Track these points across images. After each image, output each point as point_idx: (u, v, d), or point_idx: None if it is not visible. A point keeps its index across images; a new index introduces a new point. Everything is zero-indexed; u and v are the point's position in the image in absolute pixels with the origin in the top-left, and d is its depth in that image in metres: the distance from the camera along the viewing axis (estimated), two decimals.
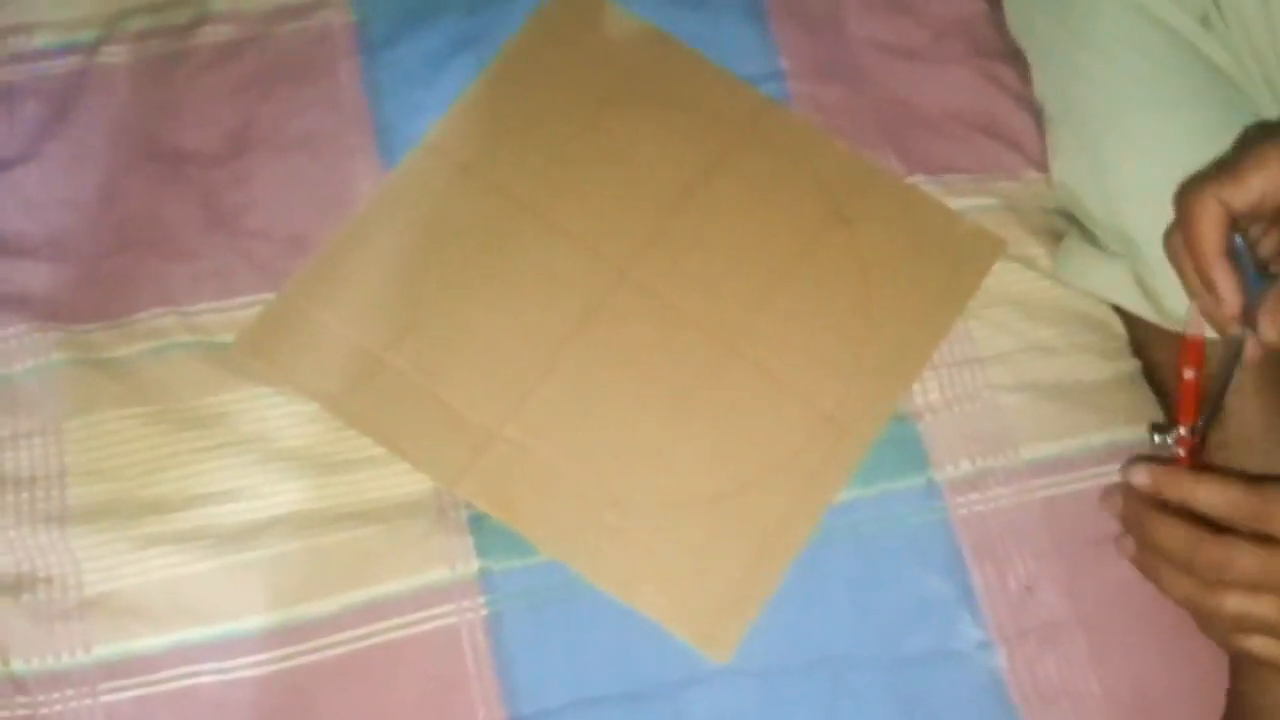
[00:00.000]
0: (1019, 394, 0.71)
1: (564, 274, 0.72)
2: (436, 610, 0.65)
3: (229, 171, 0.74)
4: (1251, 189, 0.56)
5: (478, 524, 0.67)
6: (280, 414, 0.69)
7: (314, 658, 0.64)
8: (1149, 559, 0.62)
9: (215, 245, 0.72)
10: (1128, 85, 0.68)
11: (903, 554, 0.68)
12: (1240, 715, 0.64)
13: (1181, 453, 0.63)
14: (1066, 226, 0.75)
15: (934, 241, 0.74)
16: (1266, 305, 0.56)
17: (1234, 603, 0.58)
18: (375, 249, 0.73)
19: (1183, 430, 0.63)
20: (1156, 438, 0.64)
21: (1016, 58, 0.78)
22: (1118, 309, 0.73)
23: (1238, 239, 0.58)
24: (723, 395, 0.70)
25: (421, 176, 0.74)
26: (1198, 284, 0.59)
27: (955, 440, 0.70)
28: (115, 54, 0.77)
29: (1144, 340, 0.73)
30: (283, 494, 0.67)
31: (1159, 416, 0.71)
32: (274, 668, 0.64)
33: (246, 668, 0.64)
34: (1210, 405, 0.62)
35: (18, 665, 0.63)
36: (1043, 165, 0.76)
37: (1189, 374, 0.62)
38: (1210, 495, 0.58)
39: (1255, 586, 0.57)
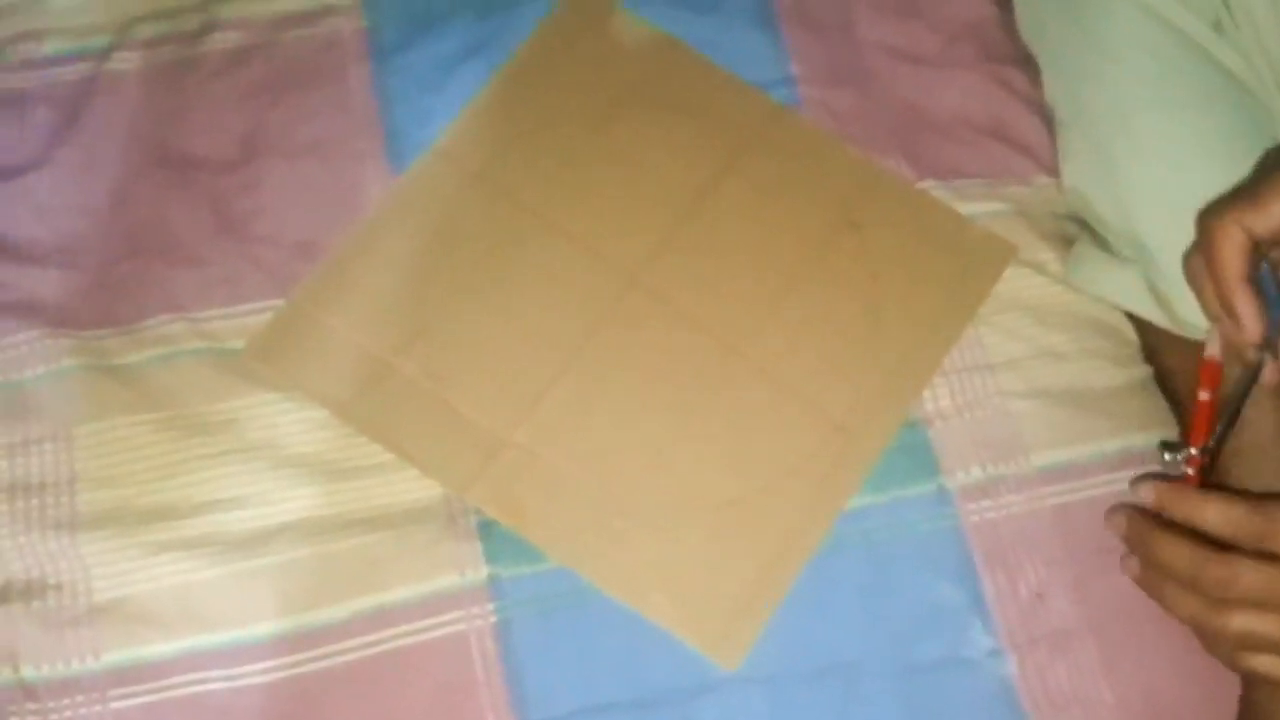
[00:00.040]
0: (1030, 400, 0.70)
1: (573, 279, 0.72)
2: (446, 617, 0.65)
3: (238, 177, 0.74)
4: (1273, 215, 0.56)
5: (487, 530, 0.67)
6: (290, 420, 0.69)
7: (323, 664, 0.64)
8: (1154, 578, 0.62)
9: (225, 251, 0.73)
10: (1139, 89, 0.68)
11: (913, 561, 0.67)
12: None
13: (1190, 472, 0.63)
14: (1078, 231, 0.74)
15: (944, 247, 0.74)
16: None
17: (1239, 621, 0.57)
18: (385, 255, 0.73)
19: (1193, 450, 0.62)
20: (1167, 455, 0.63)
21: (1027, 62, 0.78)
22: (1129, 315, 0.73)
23: (1263, 266, 0.58)
24: (732, 401, 0.70)
25: (431, 182, 0.74)
26: (1218, 308, 0.59)
27: (966, 447, 0.69)
28: (125, 60, 0.77)
29: (1156, 346, 0.73)
30: (292, 500, 0.67)
31: (1171, 423, 0.71)
32: (283, 674, 0.64)
33: (256, 674, 0.64)
34: (1223, 427, 0.62)
35: (28, 672, 0.63)
36: (1054, 170, 0.76)
37: (1204, 395, 0.62)
38: (1215, 514, 0.58)
39: (1260, 605, 0.57)
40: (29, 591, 0.65)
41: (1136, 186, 0.69)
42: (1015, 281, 0.73)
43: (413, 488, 0.68)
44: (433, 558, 0.66)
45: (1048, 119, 0.76)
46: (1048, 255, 0.74)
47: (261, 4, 0.79)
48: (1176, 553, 0.59)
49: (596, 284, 0.72)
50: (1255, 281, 0.58)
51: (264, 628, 0.64)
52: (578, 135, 0.76)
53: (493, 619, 0.65)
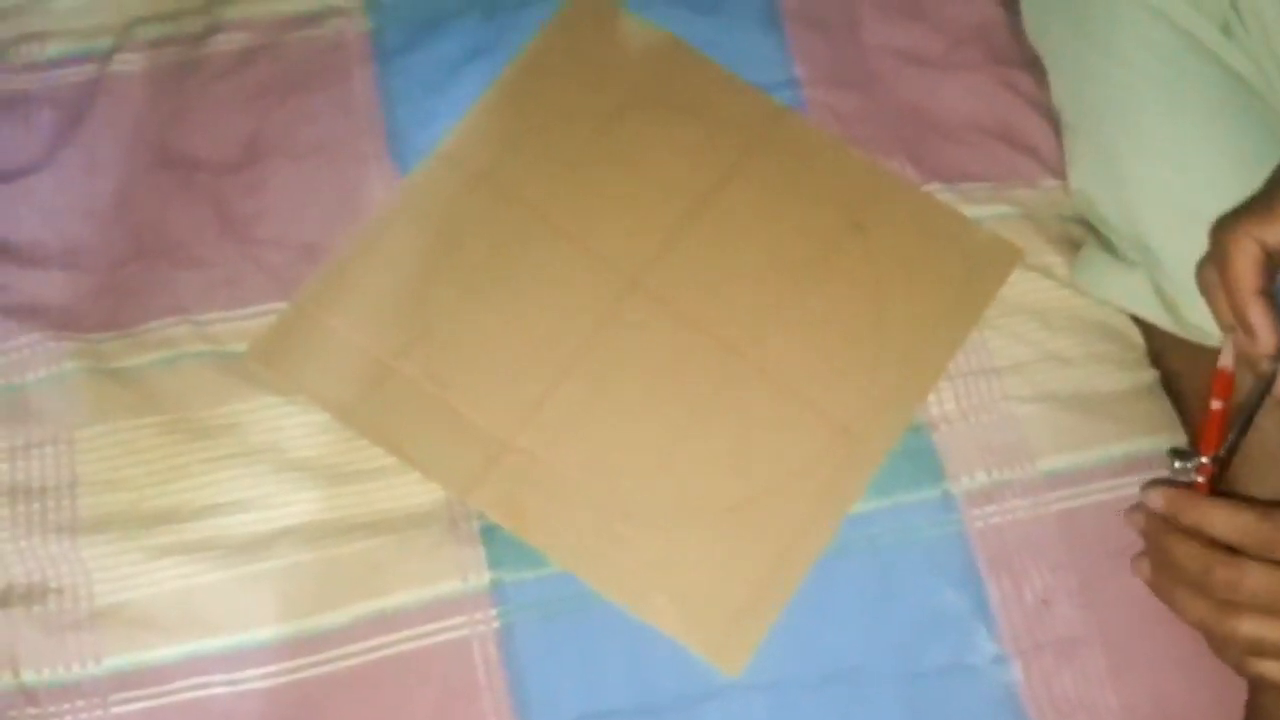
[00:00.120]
0: (1036, 404, 0.70)
1: (577, 282, 0.72)
2: (448, 622, 0.65)
3: (242, 179, 0.74)
4: None
5: (489, 535, 0.67)
6: (292, 424, 0.69)
7: (325, 669, 0.64)
8: (1164, 581, 0.62)
9: (227, 253, 0.72)
10: (1146, 92, 0.68)
11: (918, 566, 0.67)
12: None
13: (1200, 480, 0.62)
14: (1084, 235, 0.74)
15: (950, 250, 0.73)
16: None
17: (1248, 626, 0.57)
18: (388, 257, 0.72)
19: (1204, 459, 0.62)
20: (1177, 464, 0.63)
21: (1034, 64, 0.77)
22: (1136, 318, 0.73)
23: (1278, 277, 0.57)
24: (736, 405, 0.70)
25: (435, 184, 0.74)
26: (1231, 319, 0.59)
27: (971, 451, 0.69)
28: (129, 62, 0.77)
29: (1162, 350, 0.73)
30: (294, 504, 0.67)
31: (1177, 427, 0.71)
32: (285, 679, 0.64)
33: (257, 679, 0.64)
34: (1234, 436, 0.62)
35: (28, 676, 0.63)
36: (1060, 173, 0.75)
37: (1217, 405, 0.62)
38: (1223, 520, 0.58)
39: (1269, 610, 0.57)
40: (30, 595, 0.65)
41: (1143, 190, 0.68)
42: (1021, 285, 0.73)
43: (415, 491, 0.67)
44: (435, 562, 0.66)
45: (1054, 122, 0.76)
46: (1054, 259, 0.74)
47: (265, 5, 0.79)
48: (1187, 552, 0.59)
49: (600, 286, 0.72)
50: (1269, 293, 0.57)
51: (266, 632, 0.64)
52: (581, 137, 0.75)
53: (495, 624, 0.65)
